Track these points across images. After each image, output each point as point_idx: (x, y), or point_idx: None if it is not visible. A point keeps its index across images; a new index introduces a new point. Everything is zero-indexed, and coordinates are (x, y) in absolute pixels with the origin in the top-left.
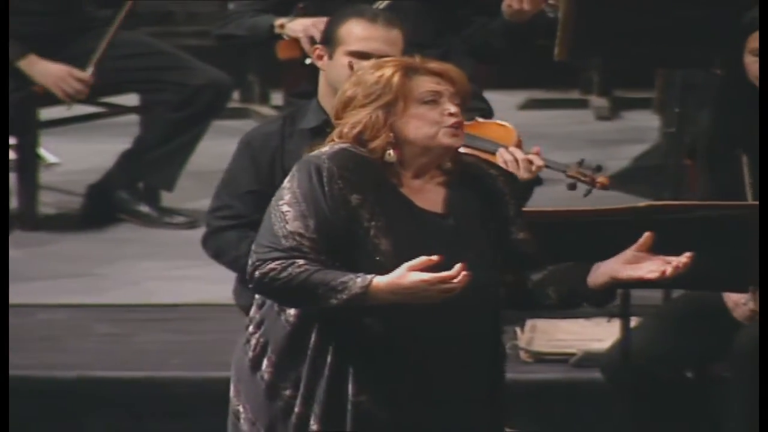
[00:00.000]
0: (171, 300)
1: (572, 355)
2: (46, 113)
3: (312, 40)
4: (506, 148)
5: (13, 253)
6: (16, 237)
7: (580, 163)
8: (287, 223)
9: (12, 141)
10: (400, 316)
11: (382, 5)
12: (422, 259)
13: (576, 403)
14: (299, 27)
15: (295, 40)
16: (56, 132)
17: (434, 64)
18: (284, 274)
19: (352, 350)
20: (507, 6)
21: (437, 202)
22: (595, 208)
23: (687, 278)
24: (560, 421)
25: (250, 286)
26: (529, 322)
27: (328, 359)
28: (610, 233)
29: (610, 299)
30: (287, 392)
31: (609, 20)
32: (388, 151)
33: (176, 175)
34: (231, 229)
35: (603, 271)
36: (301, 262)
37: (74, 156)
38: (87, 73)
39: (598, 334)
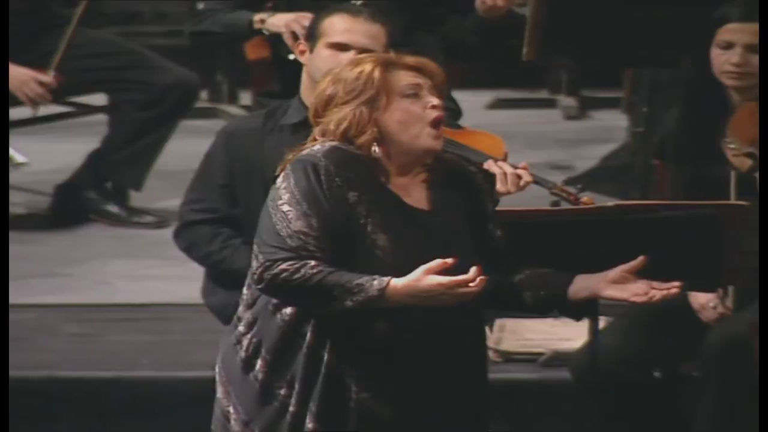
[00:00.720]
0: (140, 300)
1: (541, 354)
2: (14, 113)
3: (294, 36)
4: (495, 160)
5: None
6: None
7: (565, 182)
8: (290, 222)
9: None
10: (395, 311)
11: (357, 3)
12: (438, 261)
13: (545, 403)
14: (281, 22)
15: (264, 40)
16: (24, 132)
17: (411, 59)
18: (298, 275)
19: (350, 347)
20: (481, 2)
21: (423, 199)
22: (563, 208)
23: (655, 277)
24: (529, 421)
25: (259, 287)
26: (497, 322)
27: (325, 357)
28: (578, 233)
29: (585, 314)
30: (282, 391)
31: (577, 20)
32: (373, 148)
33: (144, 175)
34: (205, 224)
35: (585, 286)
36: (313, 263)
37: (42, 156)
38: (49, 77)
39: (566, 334)
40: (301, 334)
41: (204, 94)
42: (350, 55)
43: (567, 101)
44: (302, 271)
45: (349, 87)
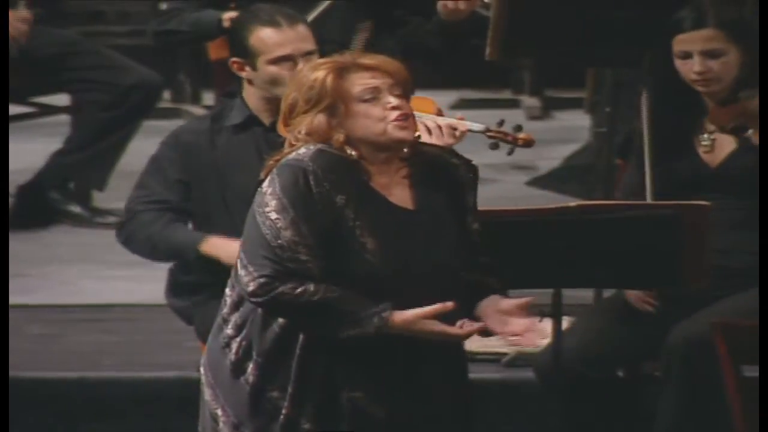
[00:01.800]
0: (103, 300)
1: (504, 354)
2: None
3: None
4: (429, 116)
5: None
6: None
7: (501, 123)
8: (280, 231)
9: None
10: (391, 299)
11: (320, 8)
12: (436, 307)
13: (508, 403)
14: None
15: (226, 41)
16: None
17: (367, 59)
18: (300, 300)
19: (344, 349)
20: (443, 6)
21: (406, 197)
22: (526, 208)
23: (618, 277)
24: (492, 421)
25: (255, 301)
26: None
27: (320, 358)
28: (541, 233)
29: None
30: (274, 394)
31: (540, 20)
32: (349, 151)
33: (107, 175)
34: (150, 211)
35: (482, 309)
36: (313, 287)
37: None
38: (25, 12)
39: None
40: (296, 338)
41: (167, 95)
42: (296, 63)
43: (530, 101)
44: (304, 295)
45: (305, 96)
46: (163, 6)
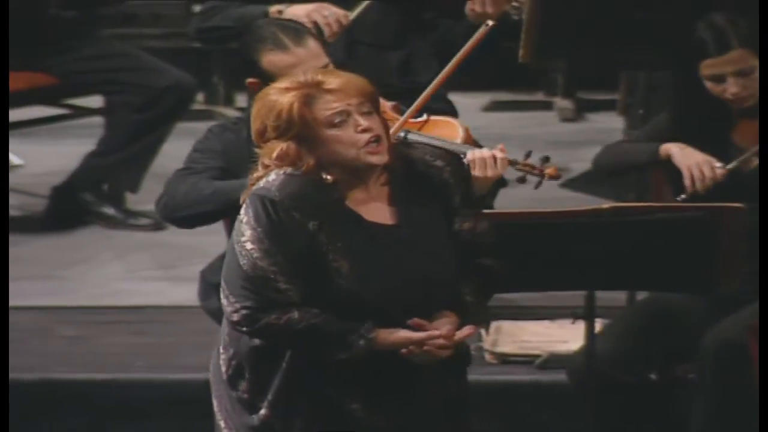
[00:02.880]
0: (135, 302)
1: (537, 356)
2: (11, 115)
3: (316, 26)
4: (473, 149)
5: None
6: None
7: (528, 155)
8: (256, 261)
9: None
10: (375, 320)
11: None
12: (424, 335)
13: (541, 405)
14: (302, 12)
15: None
16: (21, 134)
17: (331, 83)
18: (286, 330)
19: (333, 363)
20: (470, 10)
21: (386, 211)
22: (559, 210)
23: (651, 280)
24: (525, 423)
25: (240, 330)
26: (493, 324)
27: (305, 374)
28: (574, 235)
29: None
30: (263, 411)
31: (573, 22)
32: (324, 176)
33: (141, 177)
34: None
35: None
36: (296, 316)
37: (39, 158)
38: None
39: (563, 336)
40: (280, 354)
41: (200, 97)
42: None
43: (563, 103)
44: (289, 324)
45: (273, 124)
46: (196, 8)
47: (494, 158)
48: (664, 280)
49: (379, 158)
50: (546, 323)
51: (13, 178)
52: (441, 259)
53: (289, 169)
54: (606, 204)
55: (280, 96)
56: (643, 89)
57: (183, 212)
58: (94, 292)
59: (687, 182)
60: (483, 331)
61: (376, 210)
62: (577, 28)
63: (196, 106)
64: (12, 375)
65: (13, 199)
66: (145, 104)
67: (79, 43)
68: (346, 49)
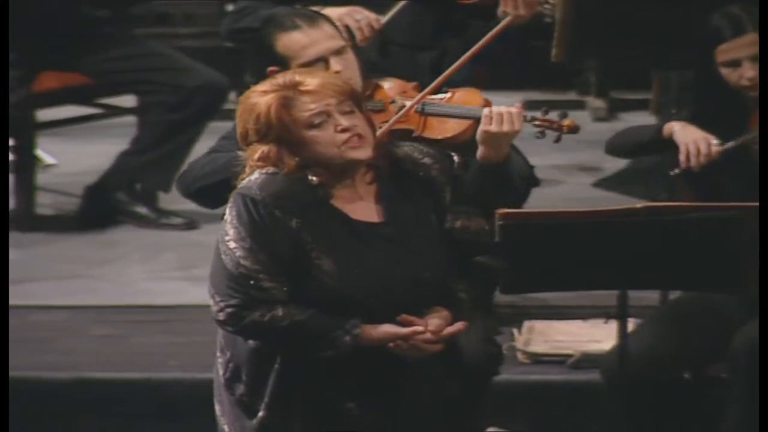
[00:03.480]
0: (168, 301)
1: (570, 356)
2: (44, 114)
3: (347, 30)
4: (489, 108)
5: (9, 254)
6: (12, 238)
7: (545, 112)
8: (239, 260)
9: (10, 142)
10: (362, 318)
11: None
12: (408, 330)
13: (573, 405)
14: (334, 15)
15: None
16: (53, 133)
17: (309, 84)
18: (271, 326)
19: (326, 361)
20: (503, 12)
21: (373, 210)
22: (592, 210)
23: (685, 279)
24: (557, 423)
25: (226, 329)
26: (526, 324)
27: (300, 373)
28: (607, 235)
29: None
30: (261, 414)
31: (606, 22)
32: (309, 177)
33: (173, 177)
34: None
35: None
36: (281, 312)
37: (71, 157)
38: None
39: (595, 336)
40: (274, 355)
41: (233, 96)
42: (332, 63)
43: (596, 103)
44: (274, 321)
45: (253, 128)
46: (230, 8)
47: (510, 114)
48: (697, 280)
49: (361, 153)
50: (578, 323)
51: (47, 178)
52: (429, 256)
53: (271, 169)
54: (639, 203)
55: (259, 98)
56: (675, 88)
57: (199, 183)
58: (127, 291)
59: (682, 157)
60: (515, 331)
61: (363, 209)
62: (610, 27)
63: (229, 106)
64: (47, 374)
65: (46, 199)
66: (178, 104)
67: (112, 43)
68: (378, 50)
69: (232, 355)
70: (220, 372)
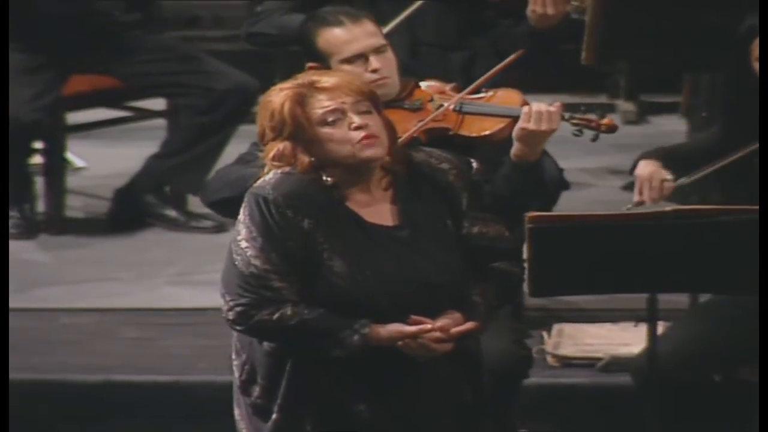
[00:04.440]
0: (198, 304)
1: (599, 359)
2: (74, 117)
3: None
4: (528, 106)
5: (39, 257)
6: (42, 241)
7: (584, 111)
8: (250, 260)
9: (39, 145)
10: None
11: (408, 12)
12: (416, 328)
13: (603, 408)
14: None
15: None
16: (84, 136)
17: (325, 81)
18: (280, 326)
19: (335, 364)
20: (531, 11)
21: (387, 213)
22: (622, 213)
23: (714, 282)
24: (587, 426)
25: (236, 328)
26: (555, 327)
27: (311, 374)
28: (636, 238)
29: None
30: (274, 416)
31: (636, 25)
32: (324, 177)
33: (203, 180)
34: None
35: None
36: (290, 311)
37: (101, 160)
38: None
39: (625, 339)
40: (286, 357)
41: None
42: (372, 60)
43: (626, 106)
44: (282, 320)
45: (269, 125)
46: (259, 9)
47: (549, 112)
48: (727, 283)
49: (374, 151)
50: (608, 326)
51: (76, 181)
52: (442, 261)
53: (287, 169)
54: (668, 207)
55: (275, 96)
56: (706, 91)
57: (214, 196)
58: (156, 294)
59: (635, 193)
60: (545, 334)
61: (378, 212)
62: (640, 30)
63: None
64: (76, 377)
65: (76, 201)
66: (208, 107)
67: (142, 46)
68: (409, 50)
69: (248, 357)
70: (236, 374)
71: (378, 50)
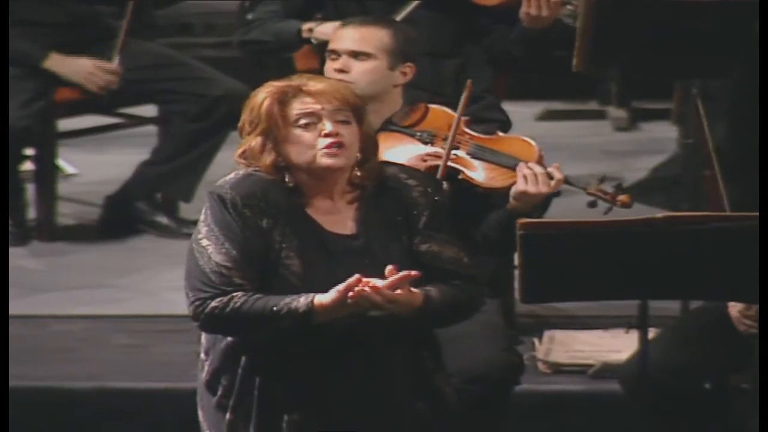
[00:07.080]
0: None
1: (590, 366)
2: (64, 124)
3: None
4: (525, 163)
5: (31, 263)
6: (34, 248)
7: (601, 180)
8: (211, 257)
9: (30, 152)
10: (317, 331)
11: (401, 15)
12: (351, 280)
13: (594, 415)
14: (329, 30)
15: (313, 50)
16: (74, 143)
17: (312, 86)
18: (228, 309)
19: (280, 369)
20: (525, 14)
21: (347, 223)
22: (612, 220)
23: (705, 289)
24: None
25: (196, 324)
26: (546, 333)
27: (257, 380)
28: (627, 244)
29: None
30: (228, 416)
31: (627, 31)
32: (286, 179)
33: (194, 186)
34: None
35: None
36: (239, 294)
37: (92, 167)
38: (114, 64)
39: (616, 346)
40: (239, 358)
41: None
42: (340, 60)
43: (617, 113)
44: (230, 304)
45: (248, 119)
46: (249, 17)
47: (547, 176)
48: (718, 289)
49: (334, 161)
50: (599, 333)
51: (67, 187)
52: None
53: (249, 169)
54: (660, 213)
55: (260, 92)
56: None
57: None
58: (148, 300)
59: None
60: (536, 341)
61: (337, 221)
62: (631, 37)
63: None
64: (68, 384)
65: (67, 208)
66: (199, 113)
67: (133, 53)
68: None
69: (214, 357)
70: (202, 374)
71: (358, 55)
